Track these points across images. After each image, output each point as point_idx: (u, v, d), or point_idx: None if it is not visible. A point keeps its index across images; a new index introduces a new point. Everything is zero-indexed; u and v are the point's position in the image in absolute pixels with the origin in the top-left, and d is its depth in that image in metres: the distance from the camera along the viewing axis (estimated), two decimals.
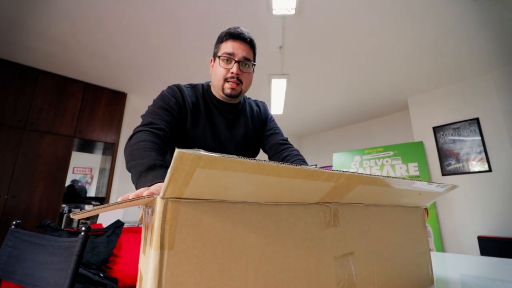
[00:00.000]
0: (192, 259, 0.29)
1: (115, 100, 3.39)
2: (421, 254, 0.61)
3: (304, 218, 0.40)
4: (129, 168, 0.62)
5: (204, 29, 2.31)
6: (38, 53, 2.63)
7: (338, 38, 2.45)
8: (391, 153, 3.59)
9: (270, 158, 0.98)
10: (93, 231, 1.39)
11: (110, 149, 3.39)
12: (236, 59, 0.83)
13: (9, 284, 0.94)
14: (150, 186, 0.49)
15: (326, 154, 4.97)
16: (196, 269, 0.29)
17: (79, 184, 3.70)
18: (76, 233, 1.25)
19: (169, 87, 0.87)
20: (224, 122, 0.91)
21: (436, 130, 3.38)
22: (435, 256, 0.97)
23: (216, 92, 0.89)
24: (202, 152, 0.25)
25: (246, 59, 0.84)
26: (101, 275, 1.14)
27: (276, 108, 3.28)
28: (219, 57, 0.84)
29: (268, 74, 2.87)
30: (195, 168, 0.26)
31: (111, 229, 1.43)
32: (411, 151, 3.46)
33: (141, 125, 0.74)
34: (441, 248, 3.07)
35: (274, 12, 2.00)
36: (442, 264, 0.89)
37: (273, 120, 1.06)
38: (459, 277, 0.71)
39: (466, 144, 3.10)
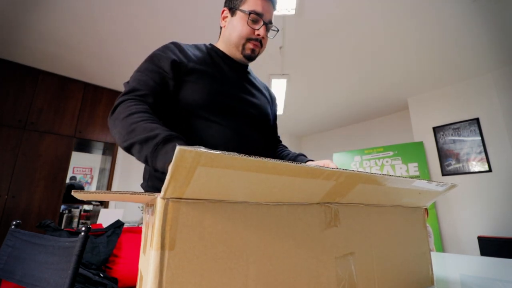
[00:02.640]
0: (192, 260, 0.29)
1: (115, 100, 3.38)
2: (422, 254, 0.61)
3: (305, 219, 0.40)
4: (131, 145, 0.53)
5: (204, 29, 2.31)
6: (38, 53, 2.63)
7: (338, 38, 2.45)
8: (391, 153, 3.59)
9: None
10: (93, 231, 1.39)
11: (110, 149, 3.39)
12: (265, 21, 0.75)
13: (9, 284, 0.94)
14: None
15: (326, 154, 4.97)
16: (197, 269, 0.29)
17: (79, 183, 3.70)
18: (76, 233, 1.25)
19: (162, 45, 0.74)
20: (238, 79, 0.79)
21: (436, 130, 3.38)
22: (435, 256, 0.97)
23: (228, 50, 0.79)
24: (203, 149, 0.24)
25: (271, 22, 0.78)
26: (101, 275, 1.14)
27: None
28: (248, 13, 0.74)
29: (268, 74, 2.87)
30: (196, 166, 0.26)
31: (111, 229, 1.44)
32: (411, 151, 3.46)
33: (124, 94, 0.63)
34: (441, 248, 3.07)
35: (274, 12, 2.00)
36: (442, 264, 0.89)
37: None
38: (459, 277, 0.71)
39: (466, 144, 3.10)
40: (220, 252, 0.31)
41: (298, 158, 0.83)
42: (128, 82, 0.67)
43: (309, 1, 1.99)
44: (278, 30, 0.80)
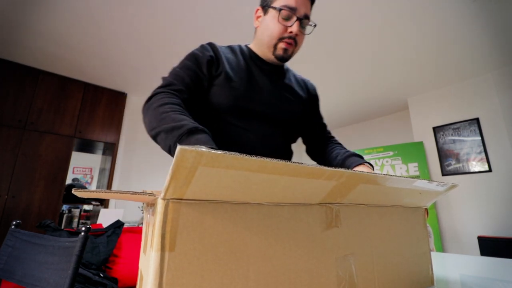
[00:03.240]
0: (193, 261, 0.29)
1: (115, 100, 3.39)
2: (422, 254, 0.61)
3: (306, 219, 0.40)
4: (157, 133, 0.55)
5: (205, 30, 2.31)
6: (38, 53, 2.63)
7: (338, 38, 2.45)
8: (391, 153, 3.59)
9: (312, 151, 0.89)
10: (93, 231, 1.40)
11: (110, 149, 3.39)
12: (298, 16, 0.69)
13: (9, 284, 0.94)
14: None
15: None
16: (197, 271, 0.29)
17: (79, 183, 3.70)
18: (76, 233, 1.25)
19: (200, 45, 0.75)
20: (269, 83, 0.76)
21: (436, 130, 3.38)
22: (435, 256, 0.97)
23: (261, 51, 0.76)
24: (204, 148, 0.24)
25: (307, 17, 0.71)
26: (101, 275, 1.14)
27: None
28: (279, 10, 0.69)
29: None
30: (197, 166, 0.25)
31: (111, 229, 1.44)
32: (411, 151, 3.46)
33: (161, 86, 0.66)
34: (441, 248, 3.07)
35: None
36: (442, 264, 0.89)
37: (319, 103, 0.91)
38: (459, 277, 0.71)
39: (466, 144, 3.10)
40: (220, 253, 0.31)
41: (347, 161, 0.75)
42: (165, 77, 0.69)
43: None
44: (315, 25, 0.73)
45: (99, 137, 3.18)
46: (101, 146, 3.47)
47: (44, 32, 2.34)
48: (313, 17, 0.76)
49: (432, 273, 0.62)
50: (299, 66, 3.04)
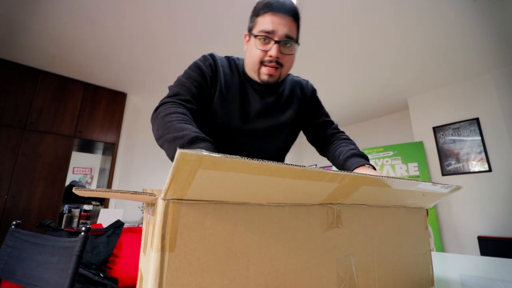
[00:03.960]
0: (193, 261, 0.29)
1: (115, 100, 3.39)
2: (422, 254, 0.61)
3: (306, 219, 0.40)
4: (163, 142, 0.57)
5: (205, 30, 2.31)
6: (38, 53, 2.63)
7: (338, 38, 2.45)
8: (391, 153, 3.59)
9: (319, 150, 0.90)
10: (93, 231, 1.39)
11: (110, 149, 3.39)
12: (276, 39, 0.67)
13: (9, 284, 0.94)
14: None
15: None
16: (198, 271, 0.29)
17: (79, 183, 3.70)
18: (76, 233, 1.25)
19: (203, 56, 0.77)
20: (260, 104, 0.77)
21: (436, 130, 3.38)
22: (435, 256, 0.97)
23: (251, 74, 0.77)
24: (205, 152, 0.24)
25: (288, 37, 0.68)
26: (101, 275, 1.14)
27: None
28: (255, 36, 0.69)
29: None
30: (197, 169, 0.25)
31: (111, 229, 1.44)
32: (411, 151, 3.46)
33: (168, 96, 0.67)
34: (441, 248, 3.07)
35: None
36: (442, 264, 0.89)
37: (320, 101, 0.91)
38: (459, 277, 0.71)
39: (466, 144, 3.10)
40: (221, 253, 0.31)
41: (349, 161, 0.73)
42: (172, 87, 0.71)
43: (309, 1, 1.99)
44: (298, 44, 0.73)
45: (99, 137, 3.18)
46: (101, 146, 3.47)
47: (44, 32, 2.34)
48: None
49: (433, 274, 0.62)
50: (299, 66, 3.04)
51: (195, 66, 0.74)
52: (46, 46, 2.54)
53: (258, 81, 0.75)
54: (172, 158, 0.54)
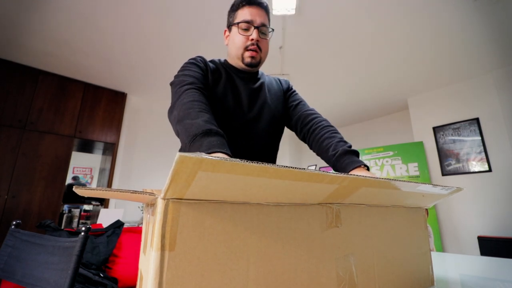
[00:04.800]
0: (193, 261, 0.29)
1: (115, 100, 3.39)
2: (422, 254, 0.61)
3: (306, 219, 0.40)
4: (180, 128, 0.62)
5: (204, 29, 2.31)
6: (38, 53, 2.63)
7: (338, 38, 2.45)
8: (391, 153, 3.59)
9: (297, 133, 0.94)
10: (93, 231, 1.39)
11: (110, 149, 3.39)
12: (255, 25, 0.81)
13: (9, 284, 0.94)
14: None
15: None
16: (197, 270, 0.29)
17: (79, 183, 3.70)
18: (76, 233, 1.25)
19: (190, 58, 0.84)
20: (247, 89, 0.87)
21: (436, 130, 3.38)
22: (435, 256, 0.97)
23: (235, 62, 0.88)
24: (204, 155, 0.24)
25: (264, 25, 0.83)
26: (101, 275, 1.14)
27: None
28: (237, 24, 0.82)
29: (268, 74, 2.86)
30: (196, 171, 0.25)
31: (111, 229, 1.44)
32: (411, 151, 3.46)
33: (187, 84, 0.72)
34: (441, 248, 3.07)
35: (274, 12, 2.00)
36: (442, 264, 0.89)
37: (296, 92, 1.01)
38: (459, 277, 0.71)
39: (466, 144, 3.10)
40: (220, 253, 0.31)
41: (342, 160, 0.73)
42: (184, 75, 0.76)
43: (309, 1, 1.99)
44: (273, 30, 0.87)
45: (99, 137, 3.18)
46: (101, 146, 3.47)
47: (44, 32, 2.34)
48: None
49: (432, 273, 0.62)
50: (299, 65, 3.04)
51: (190, 63, 0.81)
52: (46, 46, 2.54)
53: (243, 66, 0.85)
54: (185, 146, 0.59)
